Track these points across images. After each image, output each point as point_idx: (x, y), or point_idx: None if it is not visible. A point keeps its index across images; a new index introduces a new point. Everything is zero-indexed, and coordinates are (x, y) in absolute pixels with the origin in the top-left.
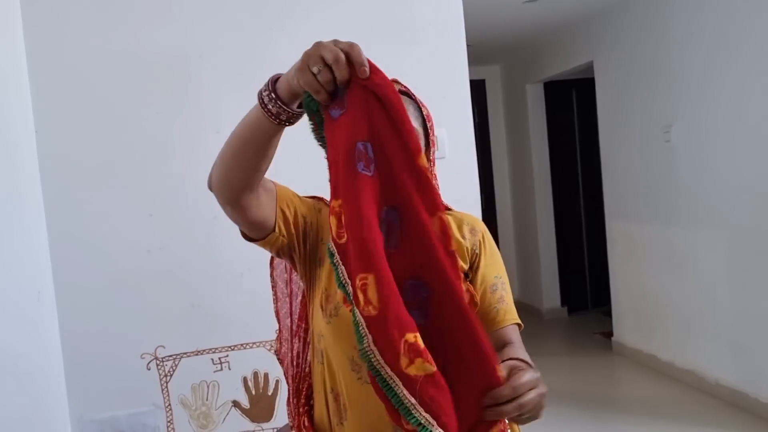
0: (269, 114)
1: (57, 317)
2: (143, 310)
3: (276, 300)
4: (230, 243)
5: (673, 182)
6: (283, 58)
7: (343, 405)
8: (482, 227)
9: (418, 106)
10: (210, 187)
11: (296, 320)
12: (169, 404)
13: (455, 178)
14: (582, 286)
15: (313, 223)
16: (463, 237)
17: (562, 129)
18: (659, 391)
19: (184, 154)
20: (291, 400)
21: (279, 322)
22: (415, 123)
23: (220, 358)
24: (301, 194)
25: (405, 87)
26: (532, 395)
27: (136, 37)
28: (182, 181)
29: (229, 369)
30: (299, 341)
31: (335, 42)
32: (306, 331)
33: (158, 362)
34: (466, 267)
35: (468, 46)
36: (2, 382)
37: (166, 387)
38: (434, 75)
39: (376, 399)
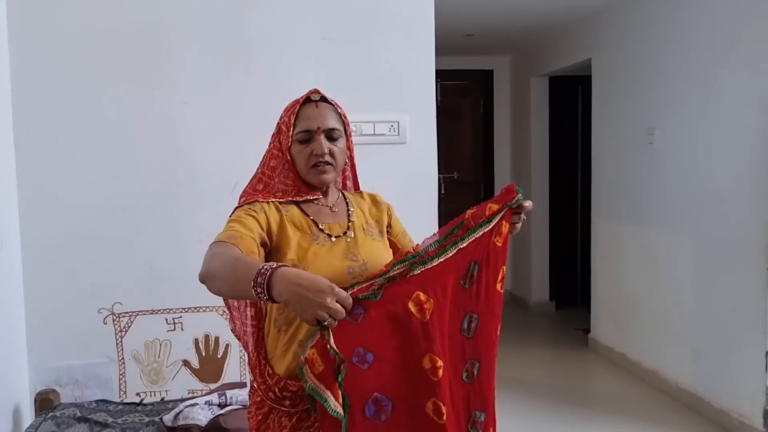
0: (256, 293)
1: (21, 267)
2: (103, 267)
3: None
4: (191, 210)
5: (653, 184)
6: (253, 34)
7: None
8: (384, 199)
9: (336, 110)
10: (199, 278)
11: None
12: (123, 358)
13: (415, 164)
14: (572, 281)
15: (265, 231)
16: (380, 204)
17: (564, 125)
18: (624, 390)
19: (152, 121)
20: (252, 362)
21: (229, 308)
22: (337, 123)
23: (173, 319)
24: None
25: (323, 94)
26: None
27: (117, 8)
28: (149, 147)
29: (182, 330)
30: (252, 321)
31: (335, 295)
32: (256, 309)
33: (114, 318)
34: (387, 222)
35: (469, 35)
36: None
37: (121, 342)
38: (401, 61)
39: None
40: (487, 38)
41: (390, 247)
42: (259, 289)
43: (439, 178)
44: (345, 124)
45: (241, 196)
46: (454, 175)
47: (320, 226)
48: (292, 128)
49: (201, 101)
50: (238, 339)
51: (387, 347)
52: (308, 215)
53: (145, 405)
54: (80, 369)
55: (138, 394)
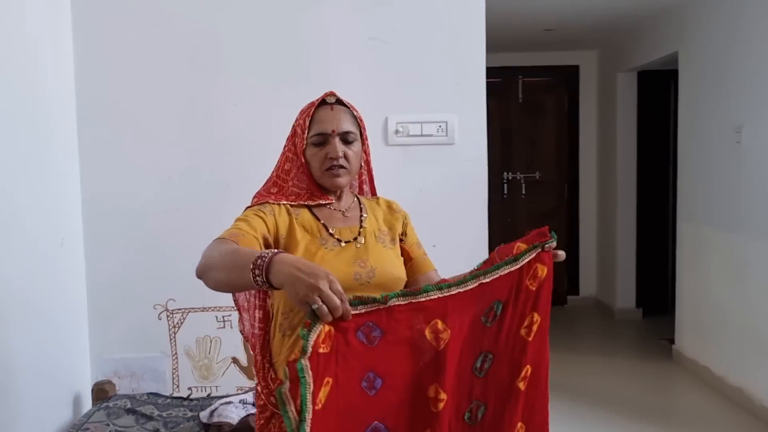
0: (254, 280)
1: (84, 264)
2: (158, 264)
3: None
4: (239, 210)
5: (741, 187)
6: (301, 36)
7: None
8: (402, 208)
9: (352, 112)
10: (196, 274)
11: (253, 301)
12: (176, 353)
13: (464, 165)
14: (662, 289)
15: (272, 233)
16: (396, 212)
17: (654, 122)
18: (705, 406)
19: (204, 124)
20: (257, 365)
21: (238, 307)
22: (352, 127)
23: (223, 317)
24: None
25: (340, 97)
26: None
27: (173, 15)
28: (200, 149)
29: (231, 328)
30: (259, 324)
31: (330, 281)
32: (264, 312)
33: (168, 314)
34: (401, 232)
35: (548, 30)
36: (26, 320)
37: (174, 337)
38: (449, 60)
39: None
40: (568, 33)
41: (402, 256)
42: (257, 272)
43: (519, 178)
44: (361, 127)
45: (254, 197)
46: (536, 175)
47: (330, 231)
48: (306, 131)
49: (250, 103)
50: (246, 341)
51: (398, 374)
52: (319, 219)
53: (191, 400)
54: (137, 362)
55: (189, 389)
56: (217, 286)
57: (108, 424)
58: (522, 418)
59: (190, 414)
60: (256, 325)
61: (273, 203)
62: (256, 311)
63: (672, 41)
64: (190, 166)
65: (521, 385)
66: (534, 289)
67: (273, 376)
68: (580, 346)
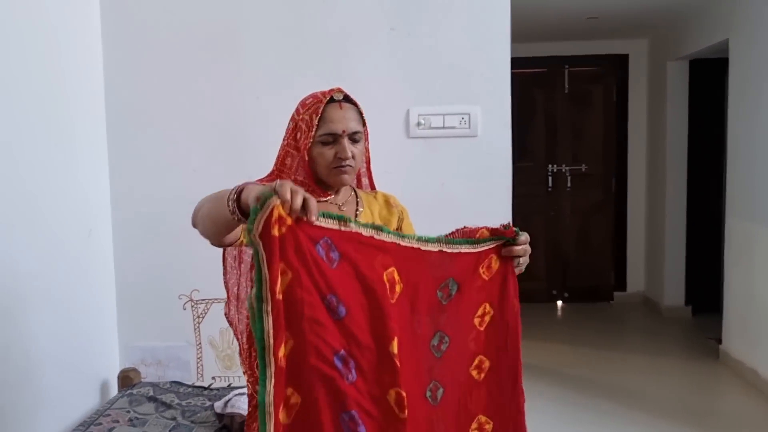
0: (229, 211)
1: (112, 254)
2: (183, 255)
3: (225, 273)
4: None
5: None
6: (322, 28)
7: None
8: (399, 202)
9: (358, 109)
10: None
11: (245, 287)
12: (200, 343)
13: (486, 158)
14: (713, 286)
15: None
16: (392, 206)
17: (707, 113)
18: (751, 409)
19: (227, 116)
20: (243, 354)
21: (227, 291)
22: (358, 125)
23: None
24: None
25: (347, 94)
26: (529, 250)
27: (195, 7)
28: (223, 142)
29: None
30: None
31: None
32: None
33: (192, 304)
34: (396, 227)
35: (593, 18)
36: (55, 308)
37: (198, 327)
38: (472, 51)
39: None
40: (614, 20)
41: None
42: (231, 196)
43: (564, 170)
44: (364, 123)
45: None
46: (582, 167)
47: None
48: (314, 129)
49: (272, 96)
50: (230, 325)
51: (359, 312)
52: None
53: (212, 390)
54: (163, 350)
55: (213, 378)
56: (204, 225)
57: (129, 411)
58: (485, 412)
59: (208, 403)
60: (244, 312)
61: None
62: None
63: (723, 28)
64: (214, 159)
65: (474, 374)
66: (487, 278)
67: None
68: (625, 343)
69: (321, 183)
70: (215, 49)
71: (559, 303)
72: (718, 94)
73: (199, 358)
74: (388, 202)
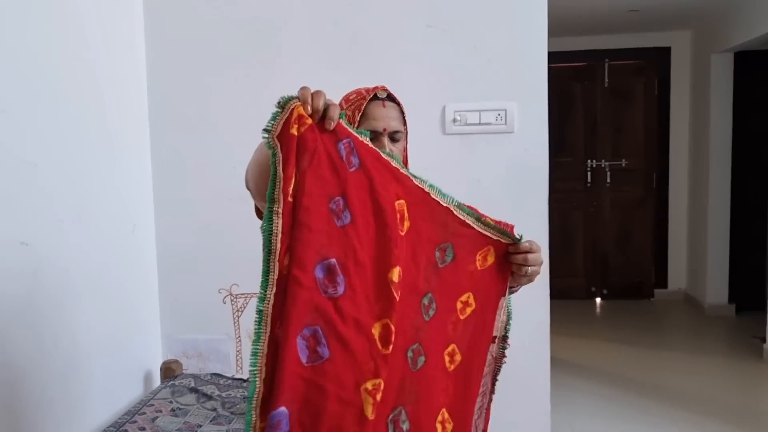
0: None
1: (155, 249)
2: (223, 250)
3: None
4: None
5: None
6: (359, 25)
7: None
8: None
9: (400, 109)
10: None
11: None
12: (239, 336)
13: (523, 154)
14: (758, 284)
15: None
16: None
17: (753, 107)
18: None
19: (265, 114)
20: None
21: None
22: (399, 125)
23: None
24: None
25: (390, 92)
26: (539, 258)
27: (234, 6)
28: (260, 140)
29: None
30: None
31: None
32: None
33: (232, 298)
34: None
35: (633, 11)
36: (101, 302)
37: (237, 321)
38: (508, 47)
39: None
40: (656, 12)
41: None
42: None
43: (604, 165)
44: (405, 122)
45: None
46: (622, 162)
47: None
48: (356, 125)
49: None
50: None
51: (364, 224)
52: None
53: None
54: (203, 343)
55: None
56: (252, 174)
57: (171, 401)
58: (448, 408)
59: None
60: None
61: None
62: None
63: None
64: (250, 156)
65: (447, 361)
66: (479, 268)
67: None
68: (666, 342)
69: None
70: (253, 49)
71: (598, 300)
72: (764, 87)
73: (238, 351)
74: None
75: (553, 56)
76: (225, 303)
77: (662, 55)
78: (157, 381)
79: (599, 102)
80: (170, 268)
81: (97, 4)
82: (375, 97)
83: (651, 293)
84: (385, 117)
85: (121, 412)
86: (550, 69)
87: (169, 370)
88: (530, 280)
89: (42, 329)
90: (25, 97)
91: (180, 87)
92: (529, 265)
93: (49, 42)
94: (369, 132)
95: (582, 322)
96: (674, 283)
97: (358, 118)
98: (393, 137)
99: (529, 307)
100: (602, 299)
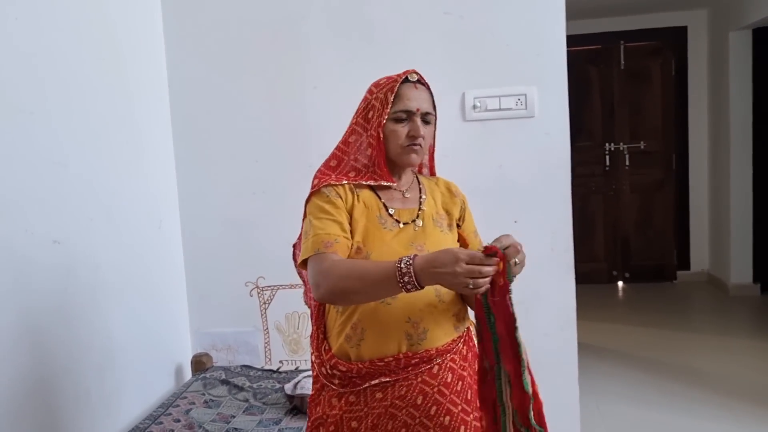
0: (406, 290)
1: (181, 244)
2: (248, 244)
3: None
4: None
5: None
6: (377, 14)
7: (361, 329)
8: (461, 192)
9: (430, 92)
10: (321, 300)
11: None
12: (267, 328)
13: (544, 138)
14: None
15: (348, 217)
16: (455, 196)
17: None
18: None
19: (285, 107)
20: (315, 337)
21: (303, 280)
22: (431, 108)
23: None
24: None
25: (420, 76)
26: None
27: (253, 1)
28: (283, 132)
29: None
30: None
31: (460, 260)
32: None
33: (259, 291)
34: (458, 217)
35: None
36: (130, 297)
37: (265, 313)
38: (527, 31)
39: (390, 317)
40: None
41: (459, 242)
42: (410, 286)
43: (622, 148)
44: (434, 108)
45: (315, 177)
46: (641, 144)
47: (390, 211)
48: (389, 106)
49: (329, 85)
50: (310, 309)
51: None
52: (380, 198)
53: (281, 372)
54: (232, 336)
55: (280, 362)
56: (356, 303)
57: (204, 394)
58: None
59: (278, 386)
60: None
61: (336, 184)
62: None
63: None
64: (275, 149)
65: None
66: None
67: (327, 347)
68: (691, 323)
69: (389, 164)
70: (273, 42)
71: (620, 284)
72: None
73: (266, 343)
74: (450, 190)
75: (568, 40)
76: (252, 296)
77: (678, 35)
78: (188, 374)
79: (616, 85)
80: (197, 262)
81: (121, 4)
82: (407, 80)
83: (674, 275)
84: (418, 98)
85: (155, 405)
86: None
87: (199, 363)
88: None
89: (77, 325)
90: (53, 98)
91: (201, 83)
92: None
93: (77, 44)
94: (404, 114)
95: (605, 306)
96: (697, 264)
97: (392, 100)
98: (425, 119)
99: (555, 292)
100: (624, 283)
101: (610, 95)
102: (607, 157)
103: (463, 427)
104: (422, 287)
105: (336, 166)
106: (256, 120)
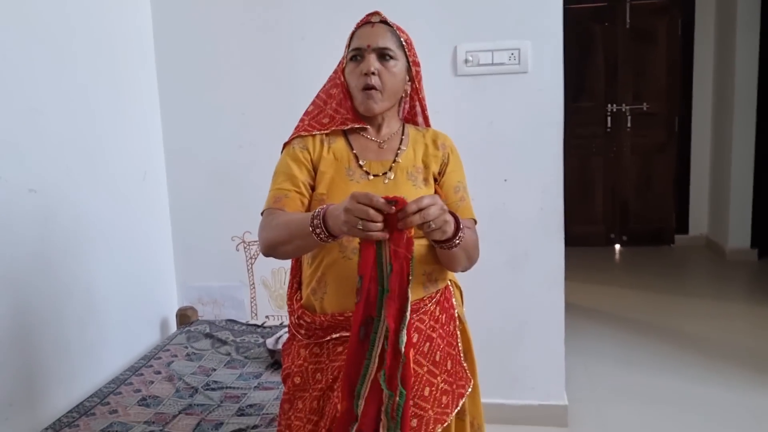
0: (319, 239)
1: (168, 197)
2: (235, 198)
3: None
4: None
5: None
6: None
7: (324, 283)
8: (451, 143)
9: (395, 32)
10: (263, 253)
11: None
12: (253, 283)
13: (537, 95)
14: None
15: (311, 171)
16: (437, 149)
17: None
18: None
19: (273, 58)
20: (289, 288)
21: None
22: (391, 44)
23: None
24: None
25: (385, 18)
26: (433, 209)
27: None
28: (270, 84)
29: None
30: None
31: (369, 199)
32: None
33: (245, 245)
34: (437, 171)
35: None
36: (113, 249)
37: (251, 268)
38: None
39: (351, 272)
40: None
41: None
42: (319, 231)
43: (624, 110)
44: (407, 49)
45: (296, 127)
46: (644, 106)
47: (360, 162)
48: (347, 49)
49: (316, 36)
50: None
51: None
52: (352, 148)
53: (265, 327)
54: (218, 290)
55: (267, 317)
56: (290, 257)
57: (186, 347)
58: None
59: (261, 340)
60: None
61: (306, 135)
62: None
63: None
64: (262, 102)
65: None
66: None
67: (299, 297)
68: (687, 287)
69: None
70: None
71: (618, 247)
72: None
73: (252, 298)
74: (435, 142)
75: None
76: (238, 250)
77: None
78: (173, 327)
79: (620, 44)
80: (183, 215)
81: None
82: (368, 22)
83: (672, 239)
84: (369, 35)
85: (138, 356)
86: (568, 10)
87: (184, 317)
88: (443, 231)
89: (56, 275)
90: (31, 43)
91: (186, 34)
92: (430, 221)
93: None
94: (356, 53)
95: (601, 268)
96: (695, 228)
97: (349, 42)
98: (381, 54)
99: (544, 253)
100: (622, 246)
101: (614, 55)
102: (609, 118)
103: (428, 389)
104: (332, 236)
105: (313, 111)
106: (243, 71)
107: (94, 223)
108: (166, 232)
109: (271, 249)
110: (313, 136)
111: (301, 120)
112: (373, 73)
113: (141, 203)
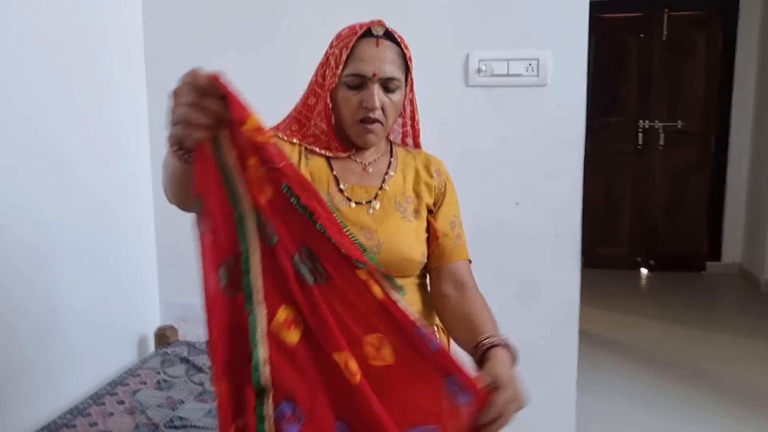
0: (177, 156)
1: (153, 208)
2: None
3: None
4: None
5: None
6: None
7: None
8: (445, 170)
9: (401, 51)
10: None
11: None
12: None
13: (556, 110)
14: None
15: None
16: (431, 176)
17: None
18: None
19: (272, 61)
20: None
21: None
22: (397, 71)
23: None
24: None
25: (389, 28)
26: (512, 412)
27: None
28: (269, 85)
29: None
30: None
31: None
32: None
33: None
34: (431, 203)
35: None
36: (89, 263)
37: None
38: None
39: None
40: None
41: (428, 234)
42: (176, 148)
43: (657, 126)
44: (408, 69)
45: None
46: (678, 123)
47: (341, 186)
48: (342, 66)
49: (317, 37)
50: None
51: None
52: (332, 169)
53: None
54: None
55: None
56: (176, 197)
57: (159, 372)
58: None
59: None
60: None
61: (284, 140)
62: None
63: None
64: (258, 106)
65: None
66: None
67: None
68: (717, 321)
69: (343, 137)
70: None
71: (644, 271)
72: None
73: None
74: (428, 168)
75: (604, 5)
76: None
77: (729, 6)
78: (152, 346)
79: (656, 57)
80: (169, 227)
81: None
82: (369, 34)
83: (702, 266)
84: (376, 59)
85: (108, 379)
86: (600, 19)
87: (162, 337)
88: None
89: (11, 290)
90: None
91: (178, 36)
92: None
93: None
94: (357, 80)
95: (623, 294)
96: (729, 255)
97: (344, 59)
98: (387, 86)
99: (557, 284)
100: (648, 270)
101: (648, 68)
102: (641, 134)
103: None
104: (184, 149)
105: (298, 130)
106: (240, 75)
107: (61, 233)
108: (149, 244)
109: (166, 193)
110: (293, 143)
111: (282, 122)
112: (377, 109)
113: (121, 212)
